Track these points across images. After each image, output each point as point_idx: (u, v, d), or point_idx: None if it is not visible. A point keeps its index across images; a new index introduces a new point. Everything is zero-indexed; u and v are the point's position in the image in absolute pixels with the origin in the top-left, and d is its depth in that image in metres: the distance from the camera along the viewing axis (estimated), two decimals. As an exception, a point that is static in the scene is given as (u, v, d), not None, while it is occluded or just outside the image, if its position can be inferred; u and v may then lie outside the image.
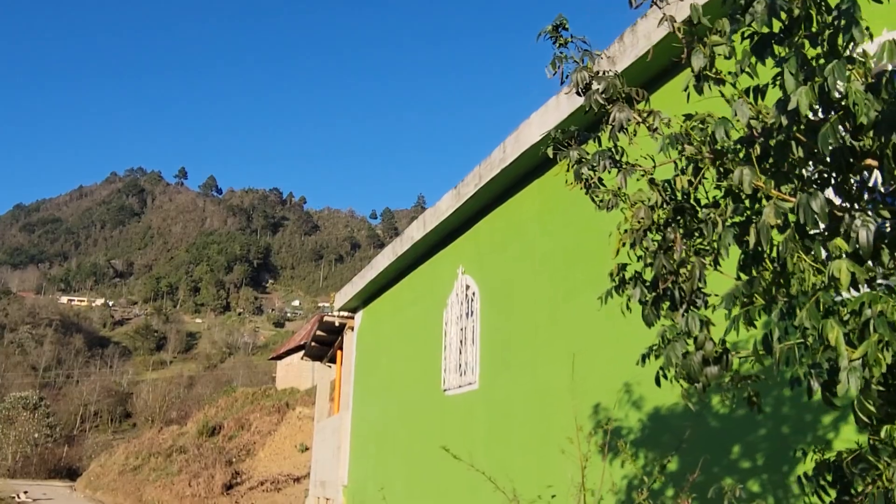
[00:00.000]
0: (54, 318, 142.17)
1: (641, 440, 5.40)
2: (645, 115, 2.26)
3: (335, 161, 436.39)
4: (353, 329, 13.25)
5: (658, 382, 2.37)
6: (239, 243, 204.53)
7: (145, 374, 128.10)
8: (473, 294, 8.47)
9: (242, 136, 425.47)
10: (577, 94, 2.37)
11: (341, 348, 14.15)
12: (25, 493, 27.57)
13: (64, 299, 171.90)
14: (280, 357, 38.73)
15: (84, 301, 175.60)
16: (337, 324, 13.39)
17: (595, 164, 2.37)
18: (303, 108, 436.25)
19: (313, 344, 15.63)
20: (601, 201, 2.36)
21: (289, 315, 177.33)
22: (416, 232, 9.70)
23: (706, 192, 2.26)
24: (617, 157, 2.37)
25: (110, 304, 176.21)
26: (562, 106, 6.32)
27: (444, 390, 8.79)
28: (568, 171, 2.49)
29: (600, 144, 2.43)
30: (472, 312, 8.46)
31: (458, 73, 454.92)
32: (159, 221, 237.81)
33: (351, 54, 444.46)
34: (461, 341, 8.63)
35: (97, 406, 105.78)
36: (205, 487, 23.66)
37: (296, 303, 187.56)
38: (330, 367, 16.41)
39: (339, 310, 13.43)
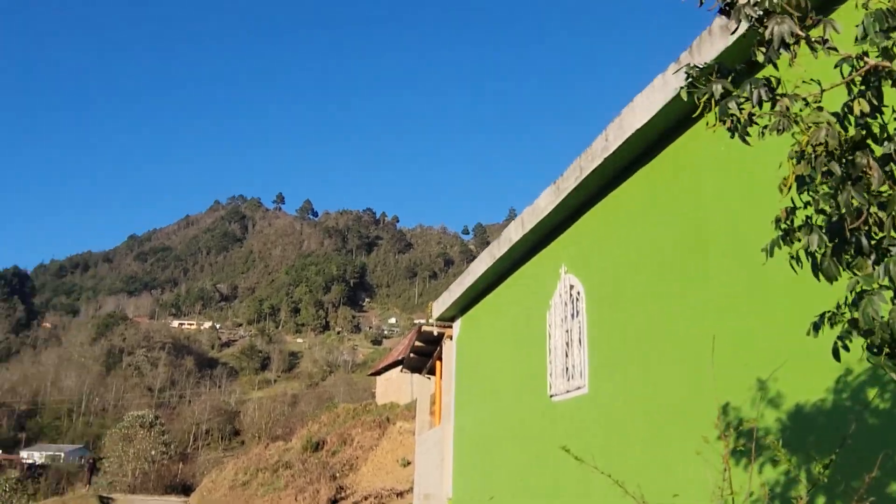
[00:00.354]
0: (167, 341, 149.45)
1: (782, 442, 4.84)
2: (812, 23, 1.84)
3: (426, 178, 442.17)
4: (451, 338, 13.00)
5: (837, 356, 1.95)
6: (336, 264, 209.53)
7: (251, 392, 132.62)
8: (578, 294, 8.03)
9: (336, 160, 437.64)
10: (721, 12, 1.98)
11: (440, 359, 13.93)
12: (143, 507, 28.70)
13: (175, 323, 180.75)
14: (379, 373, 39.04)
15: (193, 325, 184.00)
16: (435, 333, 13.18)
17: (746, 96, 1.97)
18: (392, 128, 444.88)
19: (412, 355, 15.49)
20: (765, 127, 1.94)
21: (385, 332, 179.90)
22: (514, 233, 9.36)
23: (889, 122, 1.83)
24: (774, 86, 1.96)
25: (217, 326, 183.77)
26: (669, 84, 5.85)
27: (551, 396, 8.37)
28: (709, 110, 2.10)
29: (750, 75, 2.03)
30: (577, 313, 8.03)
31: (545, 83, 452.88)
32: (260, 245, 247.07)
33: (438, 70, 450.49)
34: (567, 344, 8.20)
35: (208, 424, 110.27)
36: (310, 502, 23.93)
37: (392, 320, 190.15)
38: (429, 378, 16.22)
39: (437, 319, 13.22)
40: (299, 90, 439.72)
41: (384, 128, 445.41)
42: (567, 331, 8.22)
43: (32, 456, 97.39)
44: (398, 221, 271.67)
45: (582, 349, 7.73)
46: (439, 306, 12.94)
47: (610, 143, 6.87)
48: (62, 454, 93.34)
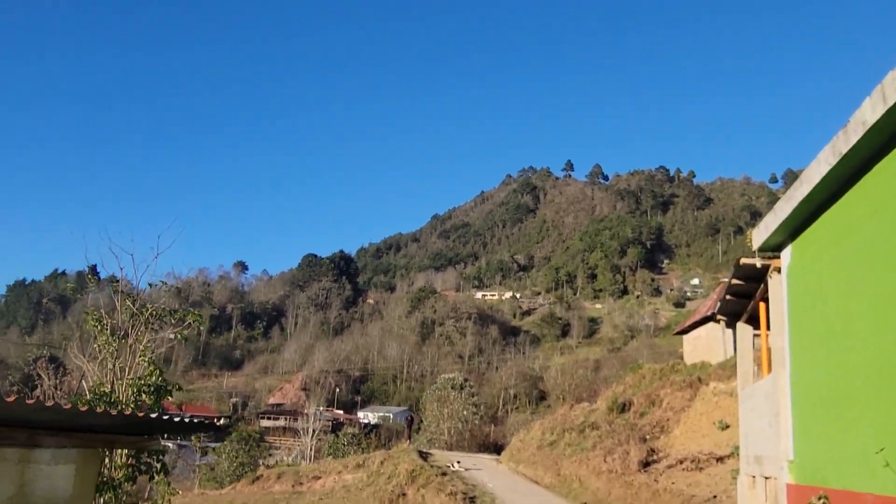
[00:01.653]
0: (472, 311, 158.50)
1: None
2: None
3: (722, 127, 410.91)
4: (779, 271, 10.69)
5: None
6: (630, 226, 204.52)
7: (554, 358, 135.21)
8: None
9: (623, 121, 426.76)
10: None
11: (764, 299, 11.64)
12: (458, 462, 29.81)
13: (479, 295, 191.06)
14: (686, 331, 36.34)
15: (495, 295, 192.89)
16: (759, 265, 10.95)
17: None
18: (673, 77, 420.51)
19: (727, 297, 13.30)
20: None
21: (688, 294, 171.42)
22: (870, 113, 6.96)
23: None
24: None
25: (517, 296, 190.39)
26: None
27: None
28: None
29: None
30: None
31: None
32: (552, 214, 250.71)
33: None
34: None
35: (515, 389, 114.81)
36: (620, 464, 22.67)
37: (695, 281, 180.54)
38: (749, 325, 13.87)
39: (759, 250, 10.96)
40: (574, 52, 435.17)
41: (665, 78, 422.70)
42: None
43: (367, 416, 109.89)
44: (694, 177, 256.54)
45: None
46: (762, 232, 10.69)
47: None
48: (390, 415, 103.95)
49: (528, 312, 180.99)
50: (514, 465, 31.47)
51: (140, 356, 8.60)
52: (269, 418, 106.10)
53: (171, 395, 8.64)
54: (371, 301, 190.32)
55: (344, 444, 45.83)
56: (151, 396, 8.27)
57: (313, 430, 55.14)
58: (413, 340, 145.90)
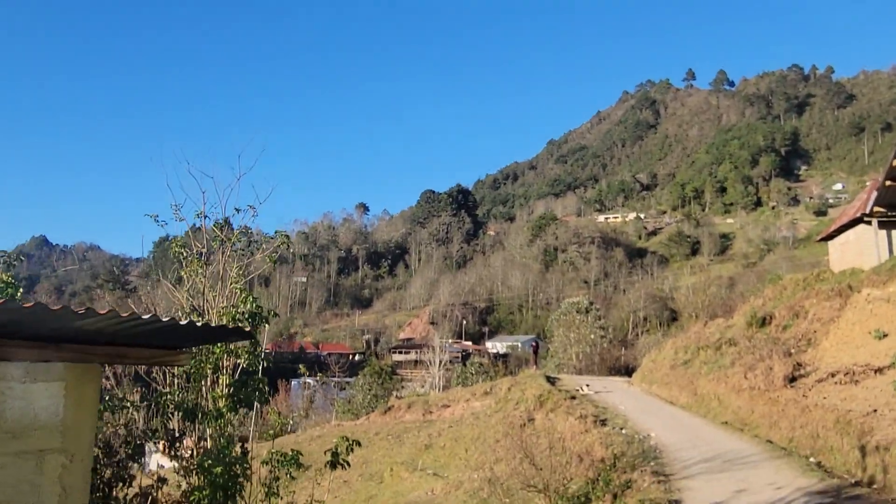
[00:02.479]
0: (595, 235, 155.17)
1: None
2: None
3: (865, 14, 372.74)
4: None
5: None
6: (761, 133, 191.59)
7: (683, 278, 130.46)
8: None
9: (748, 19, 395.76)
10: None
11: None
12: (587, 385, 28.93)
13: (601, 218, 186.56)
14: (832, 236, 33.08)
15: (618, 217, 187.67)
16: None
17: None
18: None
19: (888, 184, 11.33)
20: None
21: (830, 201, 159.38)
22: None
23: None
24: None
25: (641, 216, 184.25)
26: None
27: None
28: None
29: None
30: None
31: None
32: (675, 128, 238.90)
33: None
34: None
35: (644, 311, 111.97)
36: (763, 380, 20.91)
37: (837, 186, 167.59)
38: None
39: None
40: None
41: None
42: None
43: (495, 346, 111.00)
44: (833, 73, 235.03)
45: None
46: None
47: None
48: (518, 344, 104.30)
49: (653, 233, 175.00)
50: (646, 387, 30.23)
51: (232, 283, 8.03)
52: (400, 352, 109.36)
53: (268, 323, 8.06)
54: (491, 232, 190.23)
55: (472, 374, 46.05)
56: (246, 324, 7.69)
57: (440, 361, 55.88)
58: (536, 269, 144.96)
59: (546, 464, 13.90)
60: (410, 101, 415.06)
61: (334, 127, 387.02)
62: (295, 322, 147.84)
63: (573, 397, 25.33)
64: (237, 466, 6.73)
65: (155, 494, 6.92)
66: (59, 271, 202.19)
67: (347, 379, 68.56)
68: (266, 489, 7.10)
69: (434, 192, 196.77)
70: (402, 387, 61.16)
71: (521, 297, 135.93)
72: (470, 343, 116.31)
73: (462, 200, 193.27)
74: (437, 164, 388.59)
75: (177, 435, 7.65)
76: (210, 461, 6.56)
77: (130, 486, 6.78)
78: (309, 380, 79.84)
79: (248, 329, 7.47)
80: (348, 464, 7.47)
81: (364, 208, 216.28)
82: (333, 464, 7.53)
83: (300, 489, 24.98)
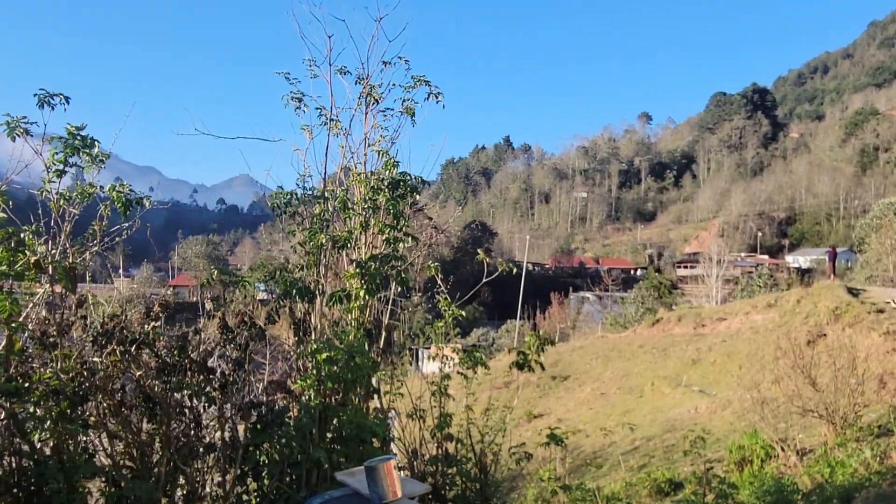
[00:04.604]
0: None
1: None
2: None
3: None
4: None
5: None
6: None
7: None
8: None
9: None
10: None
11: None
12: (898, 299, 23.43)
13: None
14: None
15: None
16: None
17: None
18: None
19: None
20: None
21: None
22: None
23: None
24: None
25: None
26: None
27: None
28: None
29: None
30: None
31: None
32: None
33: None
34: None
35: None
36: None
37: None
38: None
39: None
40: None
41: None
42: None
43: (797, 260, 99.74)
44: None
45: None
46: None
47: None
48: (825, 258, 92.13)
49: None
50: None
51: (371, 146, 6.32)
52: (684, 267, 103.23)
53: (419, 193, 6.29)
54: (794, 135, 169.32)
55: (759, 287, 40.82)
56: (386, 194, 5.98)
57: (716, 275, 50.86)
58: (850, 172, 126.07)
59: (832, 386, 10.92)
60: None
61: (612, 36, 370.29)
62: (575, 237, 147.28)
63: (881, 311, 20.47)
64: (357, 362, 5.22)
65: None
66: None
67: (621, 293, 66.06)
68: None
69: (725, 93, 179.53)
70: (683, 302, 57.23)
71: (829, 205, 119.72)
72: (766, 257, 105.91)
73: (758, 101, 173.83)
74: (728, 64, 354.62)
75: (299, 318, 6.22)
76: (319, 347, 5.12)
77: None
78: (587, 294, 78.83)
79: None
80: (542, 366, 6.62)
81: (647, 118, 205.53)
82: (520, 365, 6.63)
83: (554, 398, 23.51)
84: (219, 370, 5.10)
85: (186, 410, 4.86)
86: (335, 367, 5.03)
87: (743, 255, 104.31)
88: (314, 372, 5.05)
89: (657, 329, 31.29)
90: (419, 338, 32.43)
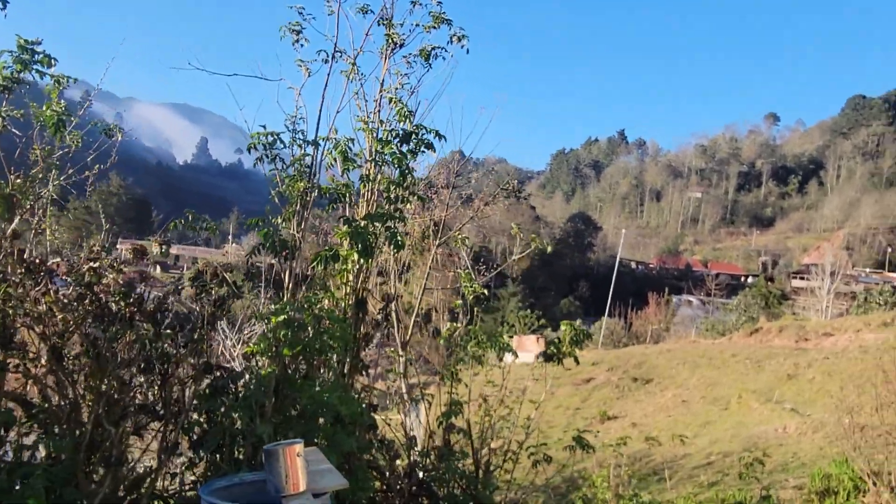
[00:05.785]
0: None
1: None
2: None
3: None
4: None
5: None
6: None
7: None
8: None
9: None
10: None
11: None
12: None
13: None
14: None
15: None
16: None
17: None
18: None
19: None
20: None
21: None
22: None
23: None
24: None
25: None
26: None
27: None
28: None
29: None
30: None
31: None
32: None
33: None
34: None
35: None
36: None
37: None
38: None
39: None
40: None
41: None
42: None
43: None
44: None
45: None
46: None
47: None
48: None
49: None
50: None
51: (386, 93, 5.58)
52: (800, 278, 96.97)
53: (433, 149, 5.54)
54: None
55: (878, 304, 37.44)
56: (395, 147, 5.29)
57: (829, 288, 47.26)
58: None
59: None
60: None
61: (741, 33, 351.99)
62: (685, 238, 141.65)
63: None
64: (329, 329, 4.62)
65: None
66: (472, 181, 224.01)
67: (724, 300, 62.73)
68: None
69: (864, 97, 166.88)
70: (794, 313, 53.68)
71: None
72: (895, 275, 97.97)
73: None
74: (869, 66, 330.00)
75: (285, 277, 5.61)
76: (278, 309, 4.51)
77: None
78: (691, 297, 75.51)
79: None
80: (576, 360, 6.28)
81: (774, 118, 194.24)
82: (548, 356, 6.29)
83: (633, 401, 22.19)
84: (186, 327, 4.61)
85: (130, 367, 4.38)
86: (295, 333, 4.40)
87: (868, 270, 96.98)
88: (269, 336, 4.44)
89: (755, 339, 29.15)
90: (505, 327, 31.71)
